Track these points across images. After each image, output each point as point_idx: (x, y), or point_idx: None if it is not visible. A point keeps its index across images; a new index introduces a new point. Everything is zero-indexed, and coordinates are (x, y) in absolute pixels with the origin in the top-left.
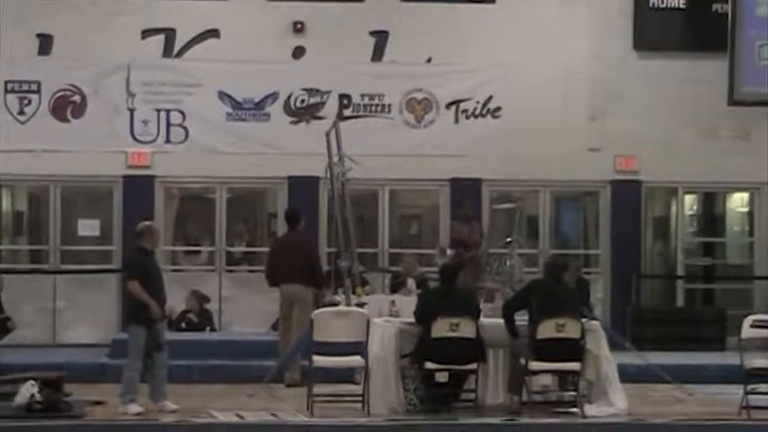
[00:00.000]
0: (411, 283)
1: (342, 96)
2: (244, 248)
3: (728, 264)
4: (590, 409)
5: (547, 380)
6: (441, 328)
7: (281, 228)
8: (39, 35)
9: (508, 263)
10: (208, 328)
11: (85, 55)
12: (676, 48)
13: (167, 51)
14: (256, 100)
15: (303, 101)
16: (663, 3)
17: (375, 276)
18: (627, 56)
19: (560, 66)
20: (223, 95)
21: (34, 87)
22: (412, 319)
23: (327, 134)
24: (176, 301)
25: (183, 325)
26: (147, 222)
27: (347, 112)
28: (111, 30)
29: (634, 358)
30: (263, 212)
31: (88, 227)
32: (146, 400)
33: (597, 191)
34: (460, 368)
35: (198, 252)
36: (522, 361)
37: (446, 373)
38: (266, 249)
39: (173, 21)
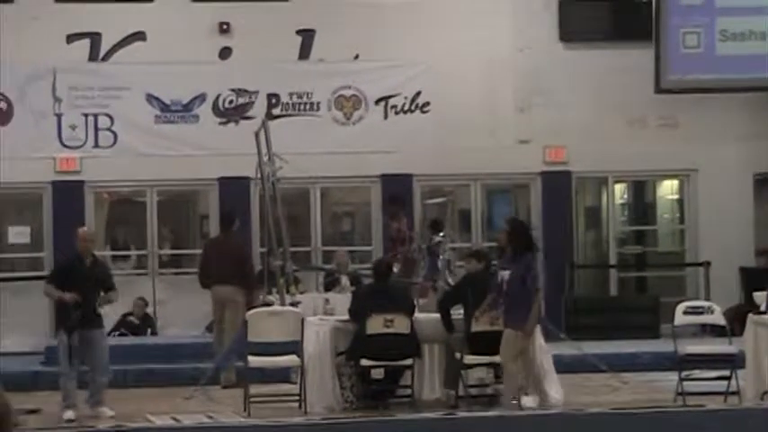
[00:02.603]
0: (345, 280)
1: (270, 96)
2: (171, 251)
3: (660, 251)
4: (526, 401)
5: (482, 373)
6: (375, 325)
7: (213, 229)
8: None
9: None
10: (149, 331)
11: (10, 60)
12: (602, 38)
13: (93, 55)
14: (184, 102)
15: (231, 101)
16: None
17: (308, 275)
18: (553, 47)
19: (487, 59)
20: (151, 98)
21: None
22: (346, 317)
23: (257, 134)
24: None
25: (123, 330)
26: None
27: (276, 112)
28: (35, 35)
29: (569, 348)
30: (195, 214)
31: (18, 234)
32: (85, 406)
33: (528, 182)
34: (396, 364)
35: (129, 256)
36: (458, 355)
37: (382, 370)
38: (198, 251)
39: (98, 24)
